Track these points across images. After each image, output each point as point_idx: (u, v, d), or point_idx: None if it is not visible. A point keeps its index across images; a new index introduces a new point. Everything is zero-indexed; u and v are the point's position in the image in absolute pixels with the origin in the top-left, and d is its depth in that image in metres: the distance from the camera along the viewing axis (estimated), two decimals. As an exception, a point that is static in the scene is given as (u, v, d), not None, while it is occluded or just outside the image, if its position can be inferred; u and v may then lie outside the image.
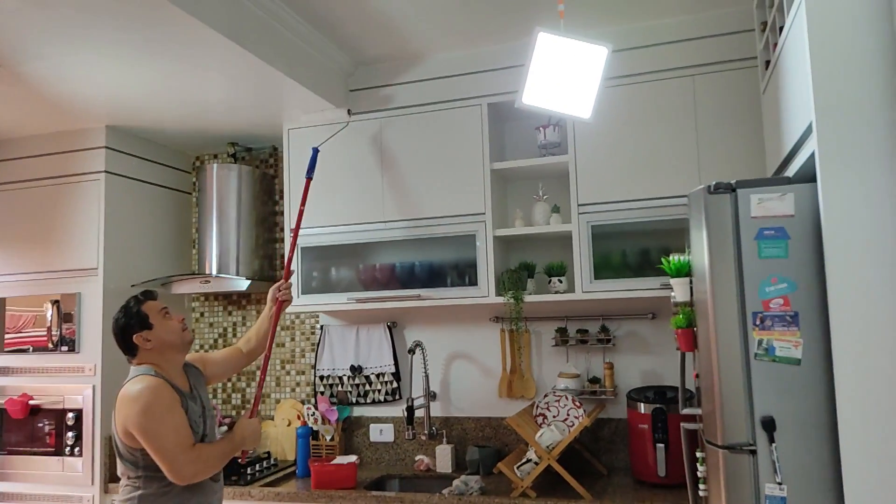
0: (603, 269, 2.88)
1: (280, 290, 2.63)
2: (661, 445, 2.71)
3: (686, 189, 2.73)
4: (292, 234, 2.84)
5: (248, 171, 3.61)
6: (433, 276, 3.16)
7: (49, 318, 3.33)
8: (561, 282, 3.05)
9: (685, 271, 1.85)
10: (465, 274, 3.11)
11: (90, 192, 3.34)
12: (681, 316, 1.83)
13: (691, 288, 1.83)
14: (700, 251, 1.68)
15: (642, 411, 2.79)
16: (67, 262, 3.35)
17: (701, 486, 1.79)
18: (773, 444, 1.54)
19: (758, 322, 1.60)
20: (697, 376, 1.84)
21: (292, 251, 2.75)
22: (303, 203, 2.84)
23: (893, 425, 1.40)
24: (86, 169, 3.36)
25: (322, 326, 3.59)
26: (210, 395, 2.46)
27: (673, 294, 1.92)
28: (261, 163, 3.85)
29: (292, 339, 3.70)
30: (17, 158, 3.48)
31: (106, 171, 3.34)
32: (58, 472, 3.23)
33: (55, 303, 3.34)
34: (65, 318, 3.32)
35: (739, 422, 1.57)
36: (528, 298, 3.01)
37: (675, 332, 1.88)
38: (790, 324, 1.57)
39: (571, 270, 3.03)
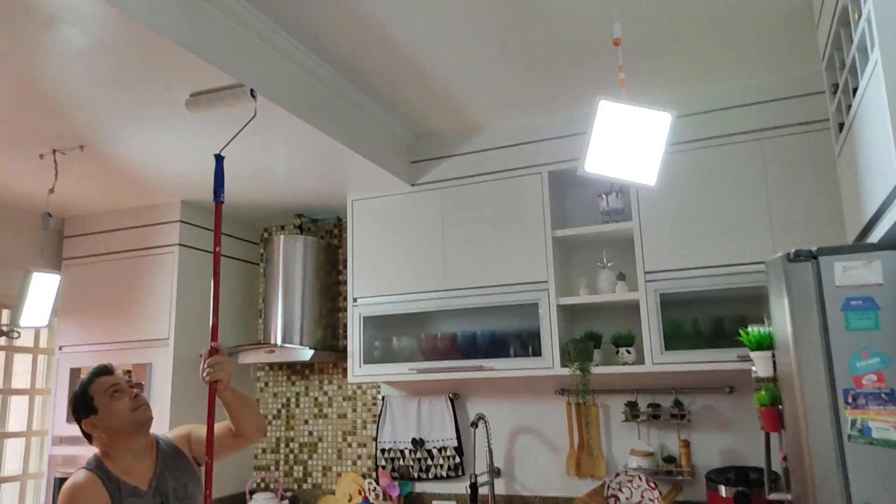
0: (674, 339, 2.75)
1: (203, 371, 1.89)
2: (747, 537, 2.49)
3: (759, 255, 2.62)
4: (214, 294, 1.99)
5: (314, 241, 3.68)
6: (495, 346, 3.09)
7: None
8: (629, 352, 2.92)
9: (766, 344, 1.73)
10: (528, 344, 3.03)
11: (165, 265, 3.47)
12: (764, 392, 1.70)
13: (774, 362, 1.70)
14: (782, 322, 1.57)
15: (724, 494, 2.59)
16: (141, 333, 3.45)
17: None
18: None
19: (850, 400, 1.46)
20: (785, 458, 1.69)
21: (216, 314, 1.94)
22: (217, 228, 2.09)
23: None
24: (161, 242, 3.50)
25: (384, 397, 3.54)
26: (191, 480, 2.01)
27: (754, 368, 1.79)
28: (325, 233, 3.93)
29: (354, 410, 3.66)
30: (95, 233, 3.66)
31: (180, 244, 3.47)
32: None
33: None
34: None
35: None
36: (596, 370, 2.89)
37: (758, 409, 1.74)
38: (886, 402, 1.43)
39: (640, 340, 2.91)
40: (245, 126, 2.23)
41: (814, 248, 1.55)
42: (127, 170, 3.09)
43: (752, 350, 1.76)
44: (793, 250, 1.56)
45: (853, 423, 1.45)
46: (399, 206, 3.33)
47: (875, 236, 1.55)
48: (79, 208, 3.62)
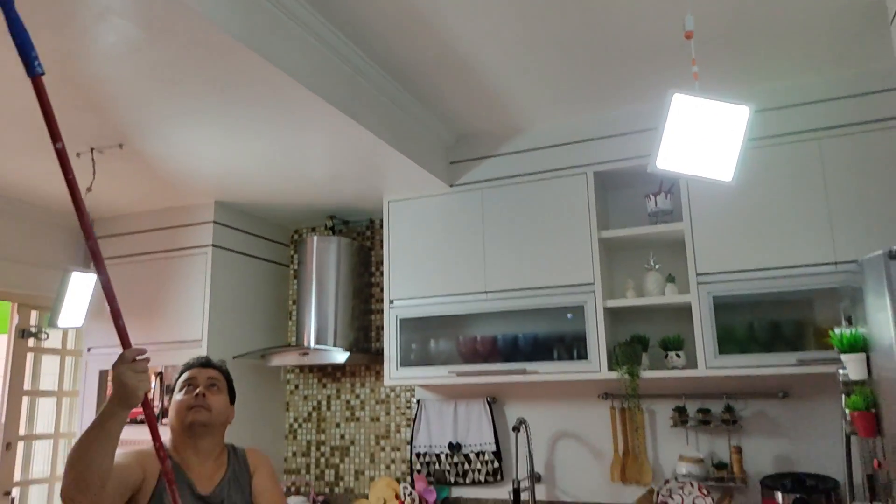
0: (727, 343, 2.68)
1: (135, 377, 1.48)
2: (806, 539, 2.42)
3: (818, 258, 2.55)
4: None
5: (347, 243, 3.62)
6: (538, 349, 3.02)
7: (152, 390, 3.35)
8: (679, 356, 2.85)
9: (860, 346, 1.66)
10: (572, 347, 2.96)
11: (197, 266, 3.41)
12: (857, 396, 1.63)
13: (868, 365, 1.63)
14: (883, 323, 1.50)
15: (780, 501, 2.52)
16: (173, 334, 3.39)
17: None
18: None
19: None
20: (879, 465, 1.62)
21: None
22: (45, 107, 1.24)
23: None
24: (194, 243, 3.44)
25: (418, 401, 3.47)
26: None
27: (844, 371, 1.73)
28: (357, 235, 3.87)
29: (387, 414, 3.59)
30: (129, 233, 3.61)
31: (213, 245, 3.41)
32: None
33: (159, 374, 3.36)
34: (166, 389, 3.34)
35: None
36: (645, 374, 2.82)
37: (850, 414, 1.67)
38: None
39: (689, 344, 2.84)
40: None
41: (916, 247, 1.48)
42: (163, 169, 3.03)
43: (844, 352, 1.69)
44: (893, 247, 1.50)
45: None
46: (437, 207, 3.27)
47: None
48: (112, 208, 3.56)
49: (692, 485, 2.73)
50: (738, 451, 2.81)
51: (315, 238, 3.59)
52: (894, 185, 2.47)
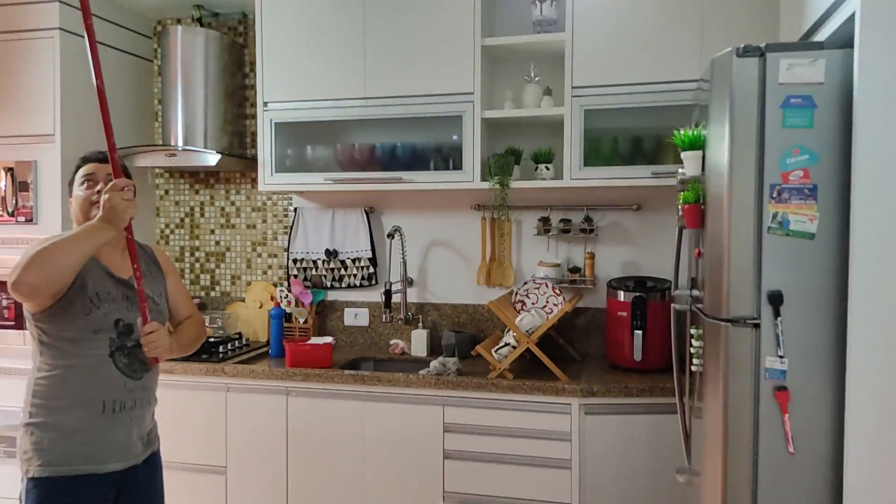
0: (593, 156, 2.81)
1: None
2: (638, 332, 2.74)
3: (685, 74, 2.65)
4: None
5: (217, 37, 3.34)
6: (415, 159, 3.04)
7: (3, 187, 3.11)
8: (548, 169, 2.97)
9: (699, 143, 1.78)
10: (449, 158, 2.99)
11: (44, 51, 3.04)
12: (689, 192, 1.78)
13: (703, 162, 1.77)
14: (721, 120, 1.60)
15: (622, 299, 2.81)
16: (20, 128, 3.09)
17: (695, 362, 1.81)
18: (779, 318, 1.53)
19: (775, 195, 1.55)
20: (700, 254, 1.81)
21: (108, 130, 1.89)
22: None
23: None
24: (39, 24, 3.04)
25: (296, 209, 3.46)
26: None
27: (682, 170, 1.86)
28: (229, 30, 3.57)
29: (264, 221, 3.57)
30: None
31: (60, 29, 3.03)
32: (18, 346, 3.11)
33: (9, 170, 3.10)
34: (20, 186, 3.11)
35: (746, 296, 1.56)
36: (515, 185, 2.93)
37: (681, 208, 1.83)
38: (808, 197, 1.53)
39: (559, 160, 2.95)
40: None
41: (762, 45, 1.56)
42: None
43: (684, 150, 1.82)
44: (741, 45, 1.56)
45: (774, 216, 1.56)
46: (315, 4, 3.04)
47: (821, 36, 1.58)
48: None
49: (547, 285, 2.96)
50: (592, 256, 3.05)
51: (179, 29, 3.27)
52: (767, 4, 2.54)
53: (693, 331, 1.81)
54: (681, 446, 2.11)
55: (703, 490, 1.75)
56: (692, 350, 1.81)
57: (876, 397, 1.44)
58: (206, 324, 3.29)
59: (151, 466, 2.03)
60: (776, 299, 1.54)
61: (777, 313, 1.53)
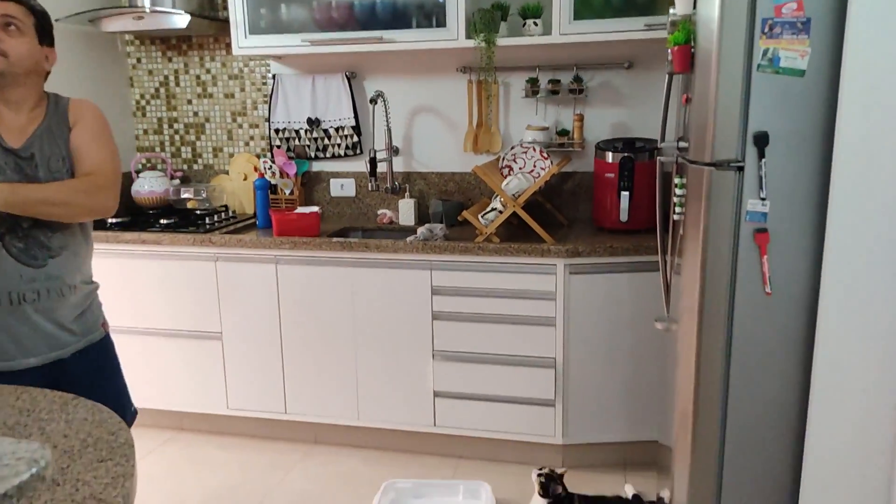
0: (584, 8, 2.66)
1: None
2: (625, 193, 2.73)
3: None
4: None
5: None
6: (397, 17, 2.88)
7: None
8: (536, 24, 2.83)
9: (693, -21, 1.68)
10: (432, 14, 2.84)
11: None
12: (679, 32, 1.69)
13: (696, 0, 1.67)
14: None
15: (610, 160, 2.77)
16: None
17: (677, 211, 1.80)
18: (763, 160, 1.50)
19: (766, 30, 1.48)
20: (688, 100, 1.75)
21: None
22: None
23: (892, 140, 1.37)
24: None
25: (274, 76, 3.33)
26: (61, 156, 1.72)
27: (673, 11, 1.76)
28: None
29: (242, 90, 3.44)
30: None
31: None
32: None
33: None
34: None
35: (731, 138, 1.52)
36: (501, 42, 2.80)
37: (670, 51, 1.75)
38: (800, 31, 1.46)
39: (548, 13, 2.80)
40: None
41: None
42: None
43: (677, -14, 1.71)
44: None
45: (765, 52, 1.49)
46: None
47: None
48: None
49: (535, 149, 2.91)
50: (581, 119, 2.98)
51: None
52: None
53: (677, 180, 1.78)
54: (661, 301, 2.15)
55: (680, 335, 1.80)
56: (675, 199, 1.80)
57: (855, 237, 1.44)
58: (191, 196, 3.28)
59: (90, 356, 1.79)
60: (762, 140, 1.50)
61: (762, 154, 1.50)
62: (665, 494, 1.96)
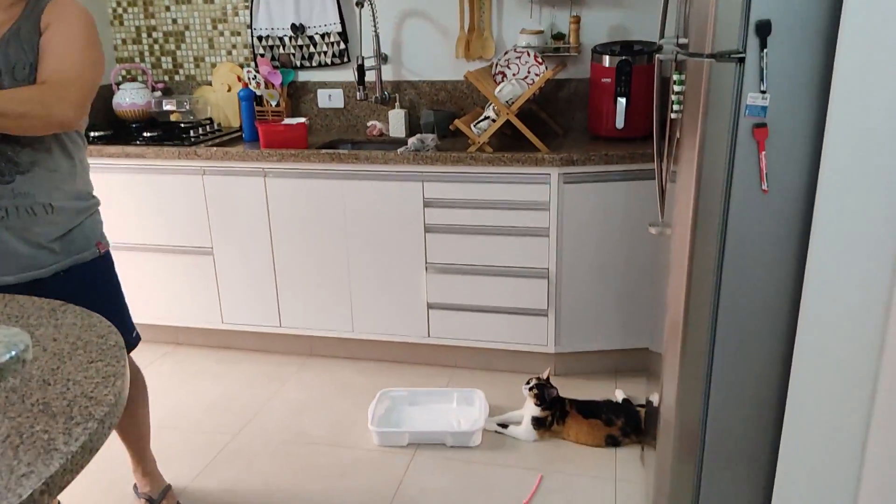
0: None
1: None
2: (622, 99, 2.64)
3: None
4: None
5: None
6: (382, -89, 2.71)
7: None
8: (530, -83, 2.66)
9: None
10: None
11: None
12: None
13: None
14: None
15: (606, 65, 2.66)
16: None
17: (674, 108, 1.73)
18: (765, 51, 1.43)
19: None
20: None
21: None
22: None
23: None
24: None
25: (255, -21, 3.16)
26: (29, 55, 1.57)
27: None
28: None
29: (222, -5, 3.28)
30: None
31: None
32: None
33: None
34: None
35: (732, 28, 1.44)
36: (493, -64, 2.64)
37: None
38: None
39: None
40: None
41: None
42: None
43: None
44: None
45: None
46: None
47: None
48: None
49: (529, 54, 2.80)
50: (577, 21, 2.85)
51: None
52: None
53: (676, 76, 1.71)
54: (656, 209, 2.11)
55: (673, 238, 1.77)
56: (673, 98, 1.73)
57: (856, 129, 1.38)
58: (174, 108, 3.17)
59: (79, 276, 1.71)
60: (764, 29, 1.42)
61: (763, 45, 1.43)
62: (654, 398, 1.98)
